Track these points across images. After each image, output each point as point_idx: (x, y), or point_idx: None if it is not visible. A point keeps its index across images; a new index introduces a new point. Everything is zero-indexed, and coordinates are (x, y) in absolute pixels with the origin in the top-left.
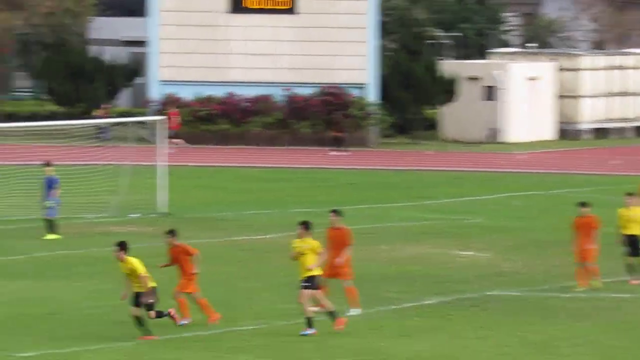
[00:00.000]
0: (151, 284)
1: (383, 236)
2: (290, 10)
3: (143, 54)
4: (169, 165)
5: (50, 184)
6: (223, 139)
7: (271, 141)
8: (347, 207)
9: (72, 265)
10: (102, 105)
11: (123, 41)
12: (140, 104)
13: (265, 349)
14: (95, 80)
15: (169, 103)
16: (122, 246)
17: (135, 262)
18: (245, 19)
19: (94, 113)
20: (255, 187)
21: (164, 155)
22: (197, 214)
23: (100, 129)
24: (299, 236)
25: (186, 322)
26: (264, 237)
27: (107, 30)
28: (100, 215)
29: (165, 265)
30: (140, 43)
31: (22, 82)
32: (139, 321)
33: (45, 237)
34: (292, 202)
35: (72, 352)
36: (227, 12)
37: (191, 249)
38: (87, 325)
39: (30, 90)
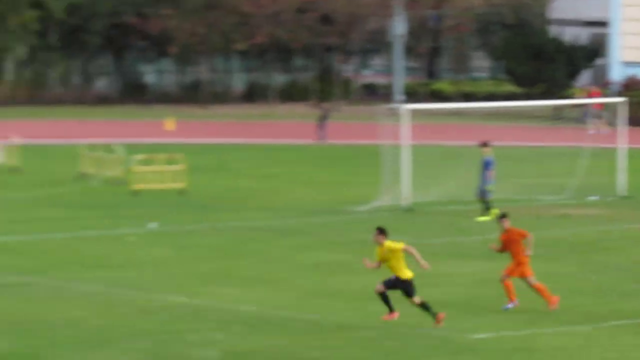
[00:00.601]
0: (408, 274)
1: None
2: None
3: (604, 35)
4: (629, 147)
5: (486, 166)
6: None
7: None
8: None
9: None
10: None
11: (584, 21)
12: (601, 85)
13: None
14: (555, 61)
15: (592, 84)
16: (382, 231)
17: (394, 245)
18: None
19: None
20: None
21: (625, 137)
22: None
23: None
24: None
25: (511, 306)
26: None
27: (568, 11)
28: (558, 197)
29: (499, 250)
30: (602, 24)
31: (480, 62)
32: (383, 298)
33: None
34: None
35: (528, 335)
36: None
37: (525, 232)
38: (541, 308)
39: (488, 70)
